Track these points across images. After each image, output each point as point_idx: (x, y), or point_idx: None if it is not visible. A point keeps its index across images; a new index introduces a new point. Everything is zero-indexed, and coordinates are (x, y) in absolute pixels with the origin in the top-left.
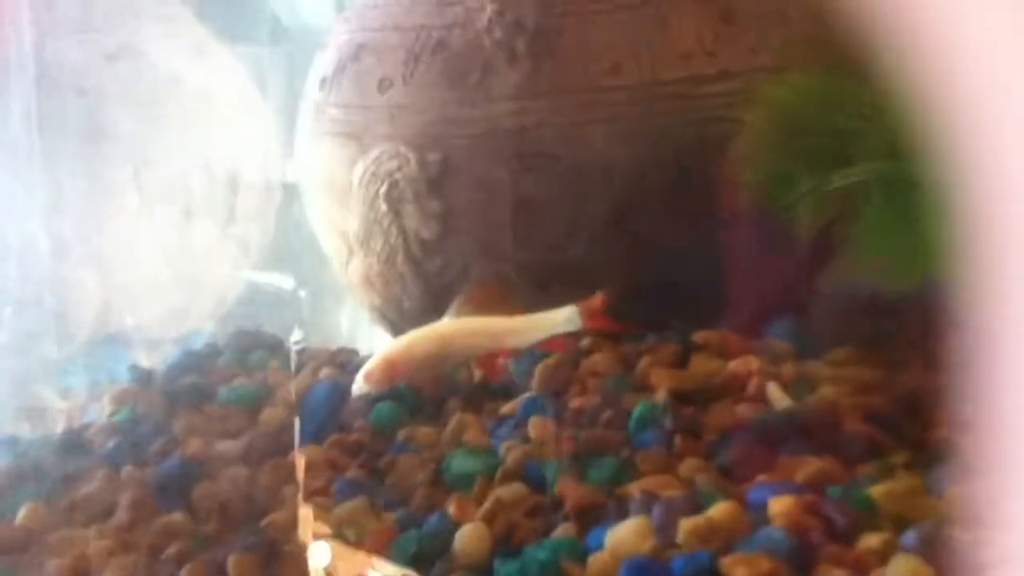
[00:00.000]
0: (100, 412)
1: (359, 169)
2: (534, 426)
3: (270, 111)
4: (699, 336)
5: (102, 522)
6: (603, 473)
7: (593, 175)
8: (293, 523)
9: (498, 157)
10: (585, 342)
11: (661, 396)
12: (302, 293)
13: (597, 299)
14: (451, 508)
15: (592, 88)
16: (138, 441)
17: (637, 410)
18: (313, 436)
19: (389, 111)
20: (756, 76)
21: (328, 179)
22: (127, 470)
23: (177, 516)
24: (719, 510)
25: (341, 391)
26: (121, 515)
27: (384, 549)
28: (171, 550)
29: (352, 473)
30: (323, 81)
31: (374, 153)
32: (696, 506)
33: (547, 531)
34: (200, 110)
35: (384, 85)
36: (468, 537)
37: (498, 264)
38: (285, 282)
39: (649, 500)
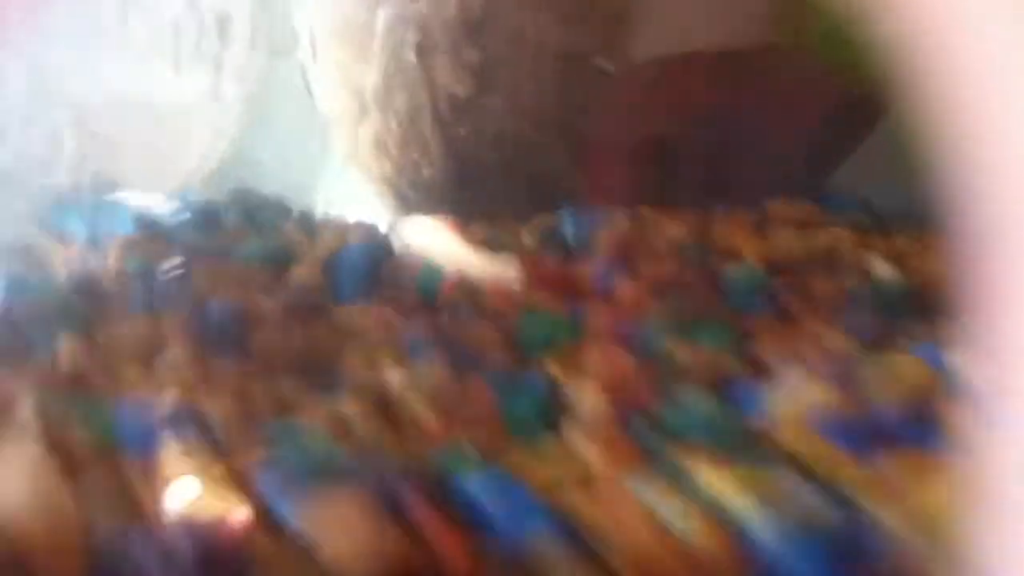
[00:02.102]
0: (102, 260)
1: (384, 13)
2: (622, 288)
3: None
4: (775, 208)
5: (148, 363)
6: (715, 338)
7: (649, 26)
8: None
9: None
10: (647, 211)
11: (753, 263)
12: None
13: (544, 264)
14: (551, 369)
15: None
16: (164, 289)
17: (737, 274)
18: (352, 297)
19: None
20: None
21: (343, 26)
22: (168, 315)
23: (235, 363)
24: (901, 363)
25: (378, 253)
26: (174, 352)
27: (489, 412)
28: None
29: (417, 332)
30: None
31: None
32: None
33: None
34: None
35: None
36: (594, 400)
37: (536, 128)
38: None
39: (812, 360)
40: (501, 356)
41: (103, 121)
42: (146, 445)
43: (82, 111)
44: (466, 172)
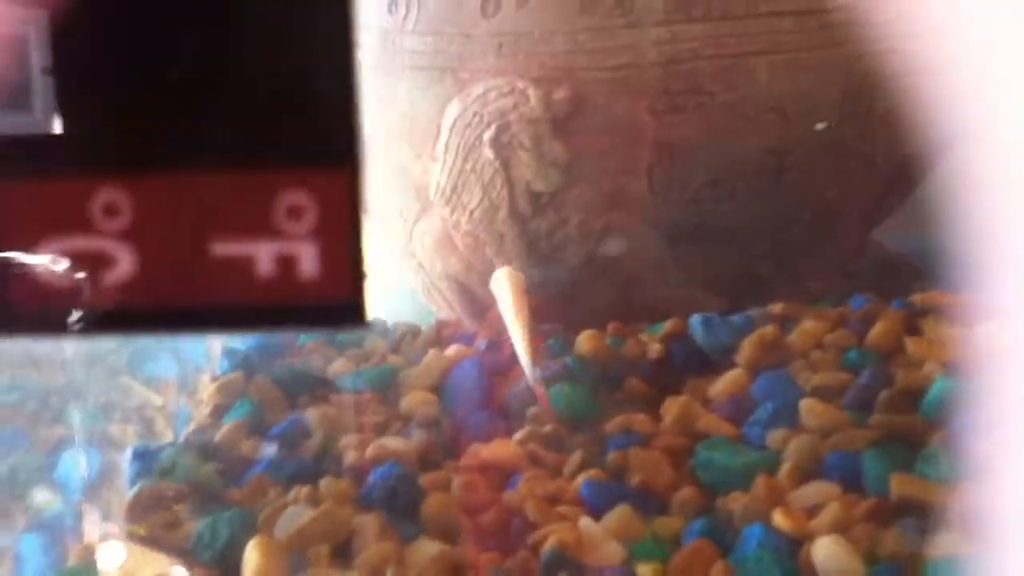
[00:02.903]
0: (193, 406)
1: (454, 110)
2: (810, 410)
3: None
4: (922, 299)
5: (344, 556)
6: (934, 468)
7: (751, 115)
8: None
9: (642, 94)
10: (777, 307)
11: (938, 370)
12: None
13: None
14: (778, 518)
15: (754, 14)
16: (292, 443)
17: (938, 386)
18: (480, 427)
19: (499, 39)
20: None
21: (405, 123)
22: (326, 483)
23: (435, 546)
24: None
25: (492, 371)
26: (370, 549)
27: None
28: None
29: (586, 473)
30: (393, 3)
31: (477, 90)
32: None
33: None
34: None
35: (490, 7)
36: (834, 555)
37: (628, 219)
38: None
39: None
40: (691, 496)
41: None
42: None
43: None
44: (547, 268)
